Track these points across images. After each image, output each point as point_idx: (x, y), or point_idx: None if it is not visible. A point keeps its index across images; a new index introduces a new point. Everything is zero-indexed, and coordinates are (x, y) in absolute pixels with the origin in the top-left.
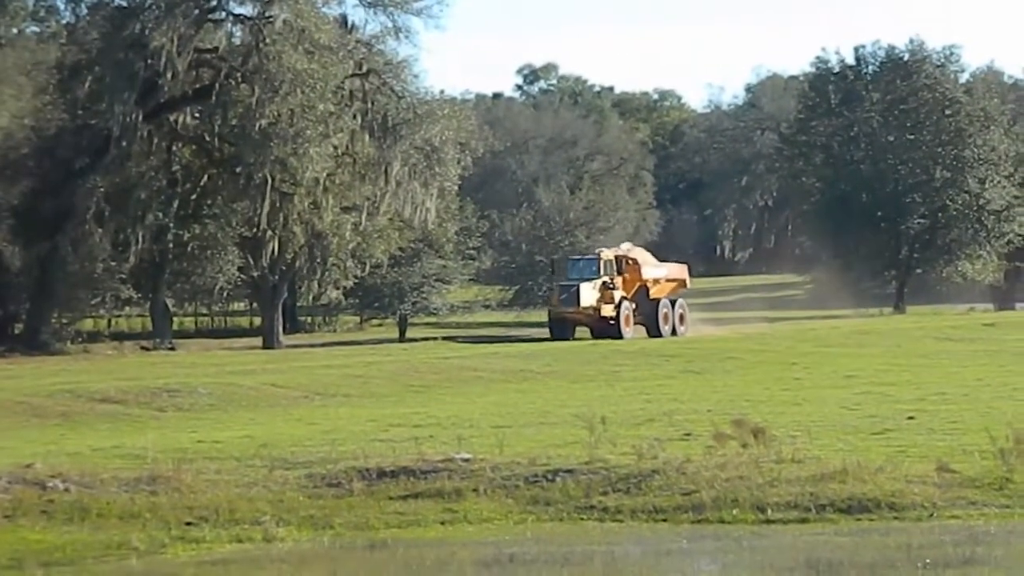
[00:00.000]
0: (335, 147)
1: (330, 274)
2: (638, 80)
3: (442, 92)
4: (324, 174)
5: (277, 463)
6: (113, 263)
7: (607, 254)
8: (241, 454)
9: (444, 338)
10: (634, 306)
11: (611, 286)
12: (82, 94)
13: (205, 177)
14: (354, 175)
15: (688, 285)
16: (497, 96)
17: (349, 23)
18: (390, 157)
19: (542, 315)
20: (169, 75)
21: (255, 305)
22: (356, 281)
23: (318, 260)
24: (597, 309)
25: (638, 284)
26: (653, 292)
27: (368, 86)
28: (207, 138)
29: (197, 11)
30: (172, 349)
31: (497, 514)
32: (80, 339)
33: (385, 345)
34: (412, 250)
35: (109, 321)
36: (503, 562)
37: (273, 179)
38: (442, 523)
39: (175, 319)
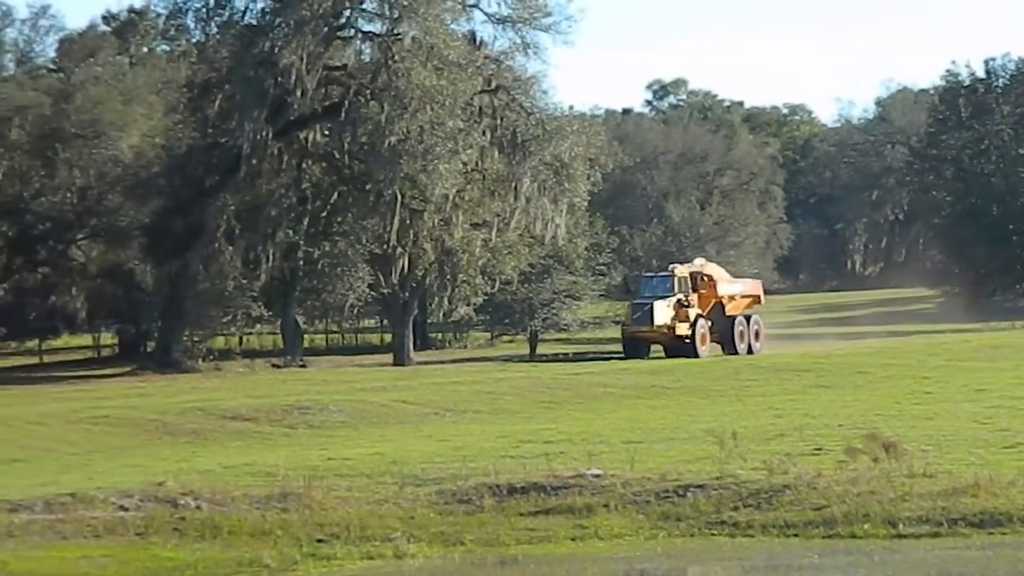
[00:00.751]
0: (464, 163)
1: (460, 290)
2: (768, 95)
3: (571, 108)
4: (454, 190)
5: (408, 480)
6: (244, 281)
7: (681, 271)
8: (372, 471)
9: (575, 354)
10: (710, 323)
11: (686, 303)
12: (212, 112)
13: (335, 194)
14: (484, 191)
15: (763, 301)
16: (627, 112)
17: (478, 39)
18: (520, 173)
19: None
20: (299, 92)
21: (385, 322)
22: (486, 297)
23: (448, 276)
24: (671, 327)
25: (713, 301)
26: (729, 309)
27: (497, 102)
28: (337, 155)
29: (326, 28)
30: (303, 366)
31: (628, 530)
32: (211, 357)
33: (515, 361)
34: (542, 266)
35: (240, 339)
36: None
37: (403, 196)
38: (572, 539)
39: (306, 336)
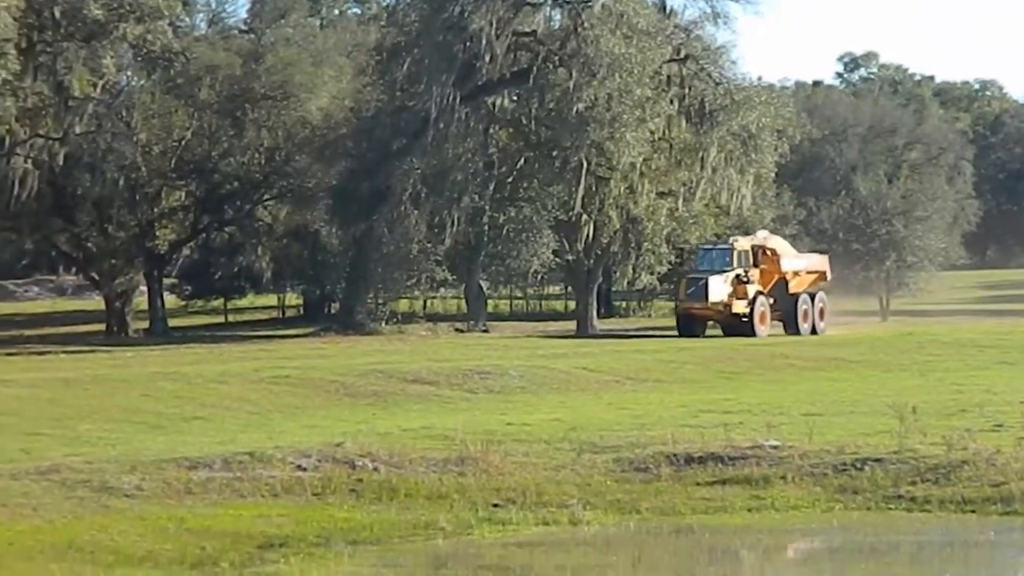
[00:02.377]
0: (652, 132)
1: (645, 259)
2: (959, 70)
3: (760, 79)
4: (640, 159)
5: (585, 447)
6: (429, 245)
7: (742, 243)
8: (550, 437)
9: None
10: (771, 301)
11: (745, 279)
12: (401, 76)
13: (521, 160)
14: (670, 160)
15: (828, 278)
16: (817, 84)
17: (668, 8)
18: (707, 143)
19: (858, 303)
20: (487, 58)
21: (570, 289)
22: (671, 266)
23: (632, 245)
24: (728, 305)
25: (776, 277)
26: (793, 286)
27: (686, 71)
28: (524, 121)
29: None
30: (486, 331)
31: (804, 502)
32: (395, 320)
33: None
34: (728, 236)
35: (424, 302)
36: (810, 550)
37: (589, 163)
38: (748, 510)
39: (489, 302)
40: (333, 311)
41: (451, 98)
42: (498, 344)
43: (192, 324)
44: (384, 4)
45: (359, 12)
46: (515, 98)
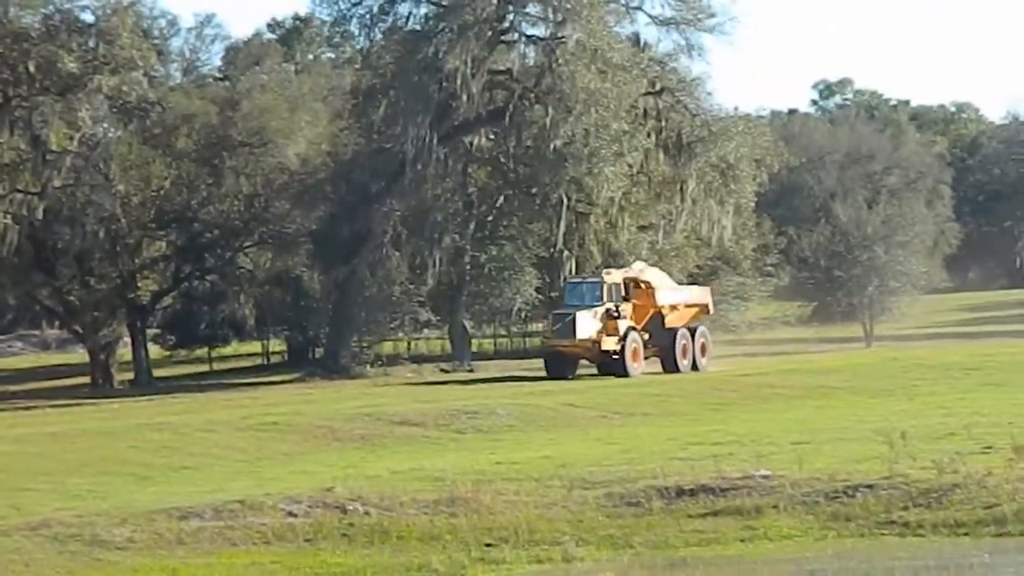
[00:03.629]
0: (630, 166)
1: None
2: (934, 93)
3: (736, 109)
4: (619, 193)
5: (576, 483)
6: (411, 286)
7: (612, 277)
8: (540, 474)
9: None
10: (647, 336)
11: (616, 314)
12: (377, 118)
13: (501, 198)
14: (649, 194)
15: (711, 311)
16: (792, 112)
17: (642, 42)
18: (685, 175)
19: (842, 330)
20: (464, 97)
21: None
22: None
23: None
24: (597, 342)
25: (652, 311)
26: (669, 320)
27: (662, 104)
28: (502, 159)
29: (490, 33)
30: (471, 371)
31: (797, 531)
32: (380, 362)
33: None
34: (709, 267)
35: (409, 344)
36: None
37: (569, 199)
38: (742, 540)
39: (474, 340)
40: (318, 356)
41: (428, 139)
42: (484, 383)
43: (177, 374)
44: (358, 47)
45: (333, 56)
46: (492, 137)
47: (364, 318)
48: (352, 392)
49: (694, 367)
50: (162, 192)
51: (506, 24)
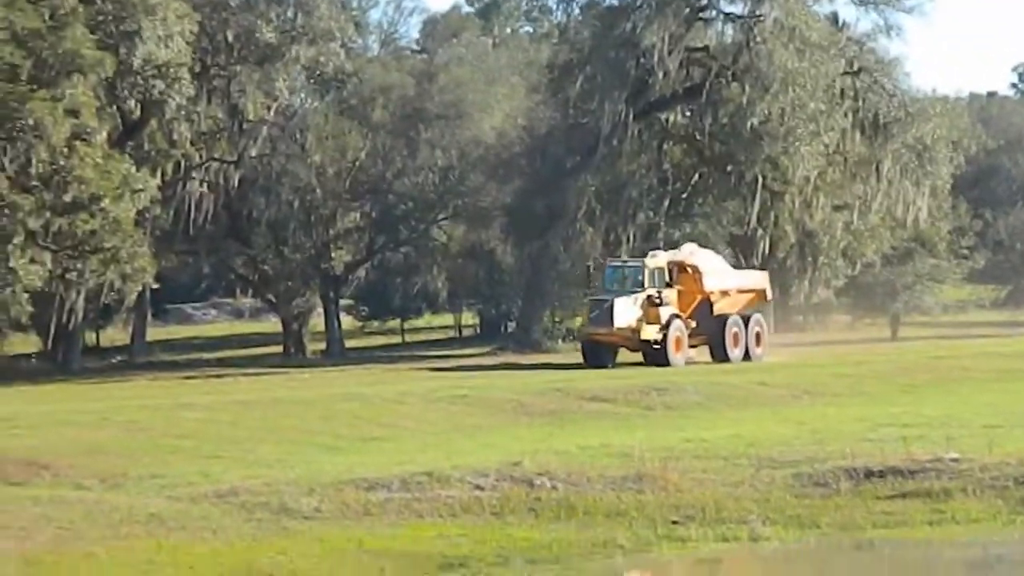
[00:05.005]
0: (826, 145)
1: (821, 273)
2: None
3: (934, 90)
4: (815, 173)
5: (764, 462)
6: (603, 261)
7: (655, 261)
8: (728, 453)
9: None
10: (694, 324)
11: (658, 301)
12: (573, 93)
13: (695, 176)
14: (845, 174)
15: (769, 297)
16: (991, 95)
17: (840, 21)
18: (881, 155)
19: None
20: (660, 74)
21: None
22: (847, 280)
23: (809, 259)
24: (636, 330)
25: (699, 297)
26: (719, 307)
27: (859, 84)
28: (697, 136)
29: (688, 9)
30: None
31: (985, 515)
32: (571, 337)
33: (876, 344)
34: (904, 249)
35: None
36: (991, 563)
37: (764, 178)
38: (929, 523)
39: None
40: (510, 330)
41: (624, 115)
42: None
43: (369, 345)
44: (556, 22)
45: (531, 31)
46: (688, 114)
47: (557, 293)
48: (543, 366)
49: (746, 357)
50: (357, 163)
51: (704, 1)
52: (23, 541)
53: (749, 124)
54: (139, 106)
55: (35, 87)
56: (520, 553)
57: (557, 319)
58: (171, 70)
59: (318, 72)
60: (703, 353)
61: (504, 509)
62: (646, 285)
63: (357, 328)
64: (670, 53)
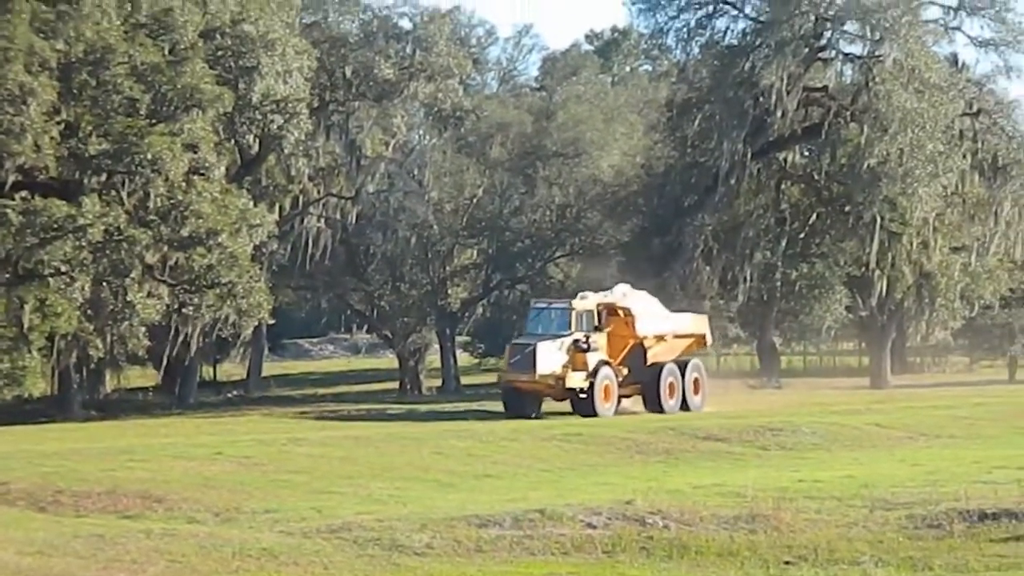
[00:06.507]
0: (944, 187)
1: (938, 314)
2: None
3: None
4: (933, 214)
5: (877, 503)
6: (721, 301)
7: (583, 303)
8: (842, 494)
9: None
10: (626, 372)
11: (585, 346)
12: (691, 132)
13: (813, 216)
14: (963, 215)
15: (709, 342)
16: None
17: (959, 62)
18: (1000, 197)
19: None
20: (778, 113)
21: (863, 344)
22: (965, 321)
23: (926, 300)
24: (561, 377)
25: (631, 343)
26: (654, 353)
27: (978, 126)
28: (815, 177)
29: (807, 50)
30: (778, 388)
31: None
32: None
33: (994, 386)
34: (1022, 291)
35: (717, 359)
36: None
37: (882, 218)
38: None
39: (783, 357)
40: None
41: (742, 154)
42: (791, 400)
43: (485, 382)
44: (675, 61)
45: (650, 69)
46: (806, 153)
47: None
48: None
49: (684, 407)
50: (475, 200)
51: (823, 41)
52: (135, 574)
53: (867, 164)
54: (257, 141)
55: (154, 121)
56: None
57: None
58: (289, 105)
59: (436, 109)
60: (637, 403)
61: (616, 548)
62: (573, 329)
63: (473, 364)
64: (788, 93)
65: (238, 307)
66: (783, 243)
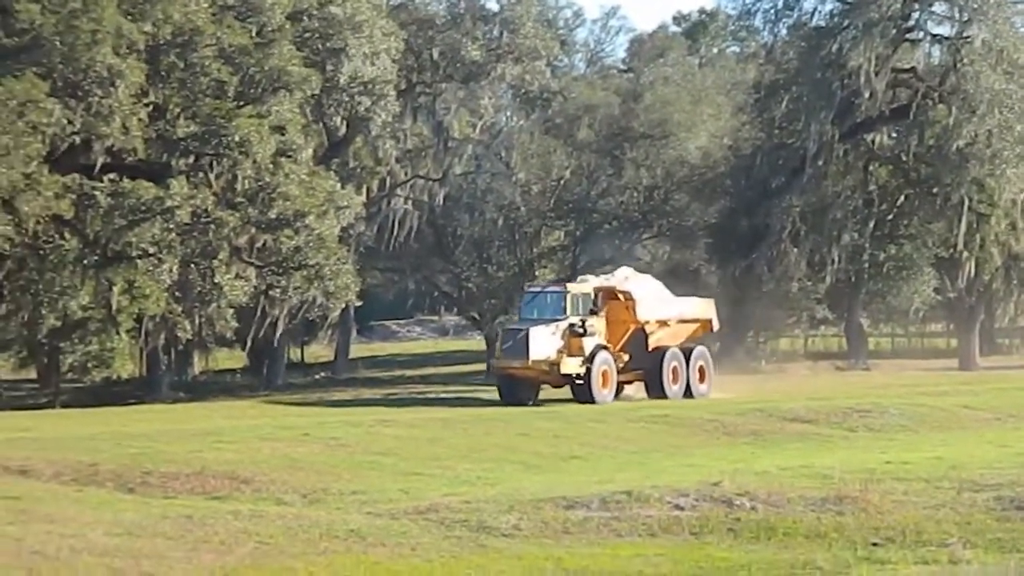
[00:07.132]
0: None
1: None
2: None
3: None
4: (1021, 195)
5: (966, 485)
6: (808, 283)
7: (580, 287)
8: (930, 475)
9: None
10: (627, 357)
11: (581, 331)
12: (779, 113)
13: (901, 197)
14: None
15: (715, 327)
16: None
17: None
18: None
19: None
20: (866, 95)
21: (951, 326)
22: None
23: (1015, 282)
24: (556, 363)
25: (632, 328)
26: (656, 339)
27: None
28: (903, 158)
29: (895, 31)
30: (866, 369)
31: None
32: (775, 358)
33: None
34: None
35: (805, 340)
36: None
37: (970, 200)
38: None
39: (870, 339)
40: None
41: (830, 135)
42: (878, 382)
43: None
44: (763, 42)
45: (738, 50)
46: (894, 135)
47: (760, 313)
48: (746, 387)
49: (687, 394)
50: (562, 182)
51: (911, 22)
52: (223, 555)
53: (955, 146)
54: (345, 123)
55: (242, 104)
56: (717, 573)
57: (760, 339)
58: (377, 87)
59: (523, 90)
60: (640, 390)
61: (703, 529)
62: (568, 313)
63: None
64: (876, 74)
65: (325, 289)
66: (871, 224)
